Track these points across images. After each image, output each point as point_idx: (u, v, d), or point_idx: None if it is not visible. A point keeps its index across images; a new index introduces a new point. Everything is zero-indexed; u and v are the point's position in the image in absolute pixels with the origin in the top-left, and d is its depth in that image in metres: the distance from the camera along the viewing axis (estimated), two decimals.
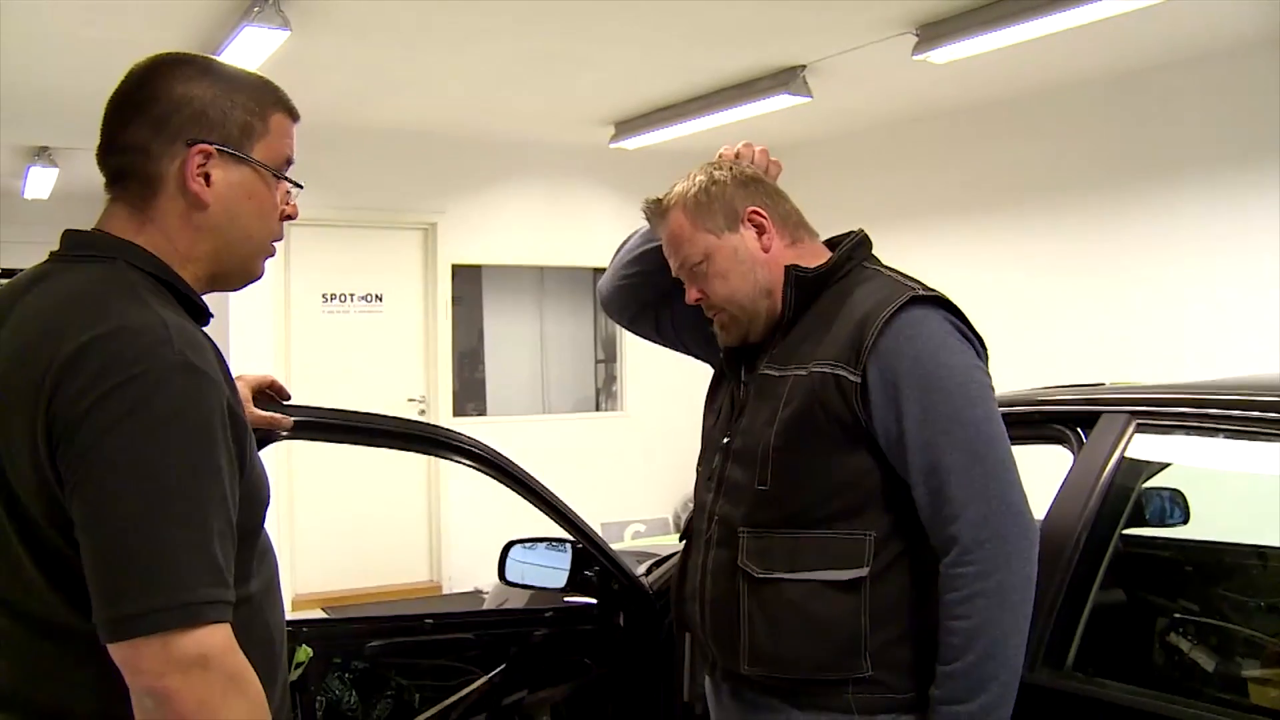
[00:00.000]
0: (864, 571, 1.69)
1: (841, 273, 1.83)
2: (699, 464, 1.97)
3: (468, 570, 7.00)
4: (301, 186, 1.44)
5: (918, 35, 4.77)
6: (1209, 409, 1.93)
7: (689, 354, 2.15)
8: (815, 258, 1.85)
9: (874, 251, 1.90)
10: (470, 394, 7.80)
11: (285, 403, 1.92)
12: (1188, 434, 2.00)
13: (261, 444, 1.87)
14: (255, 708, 1.18)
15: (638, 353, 7.94)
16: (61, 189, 8.08)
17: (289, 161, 1.41)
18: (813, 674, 1.71)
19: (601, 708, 2.56)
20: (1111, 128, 5.79)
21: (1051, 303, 6.09)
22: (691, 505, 2.00)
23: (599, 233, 7.89)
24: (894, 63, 5.12)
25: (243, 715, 1.16)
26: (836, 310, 1.78)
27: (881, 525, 1.71)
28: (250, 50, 4.56)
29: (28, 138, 7.19)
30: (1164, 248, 5.55)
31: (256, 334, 6.71)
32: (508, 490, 2.44)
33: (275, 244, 1.42)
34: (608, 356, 8.25)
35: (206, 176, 1.32)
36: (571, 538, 2.49)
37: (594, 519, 3.04)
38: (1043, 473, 2.08)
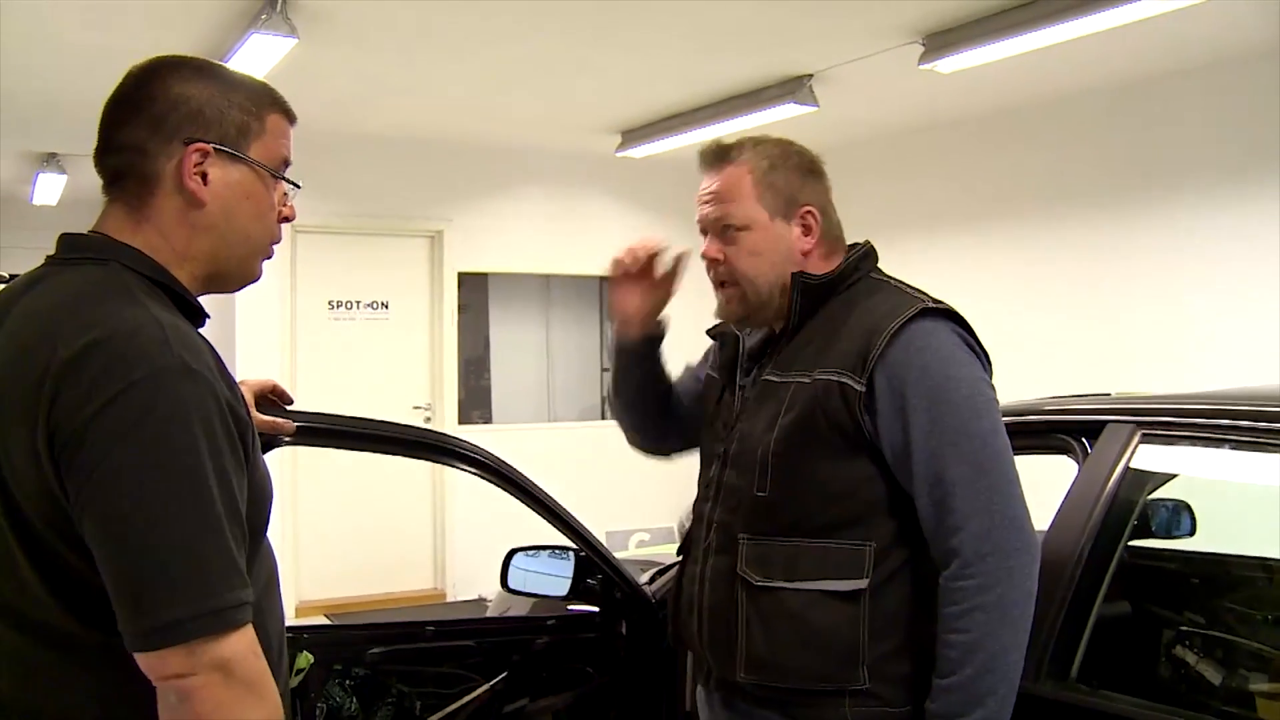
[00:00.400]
0: (864, 583, 1.68)
1: (848, 282, 1.82)
2: (699, 479, 1.96)
3: (472, 577, 6.99)
4: (299, 186, 1.44)
5: (924, 45, 4.77)
6: (1215, 419, 1.92)
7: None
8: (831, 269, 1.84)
9: (880, 260, 1.90)
10: (476, 402, 7.80)
11: (287, 408, 1.91)
12: (1193, 445, 1.99)
13: (264, 449, 1.86)
14: (271, 715, 1.19)
15: None
16: (70, 195, 8.09)
17: (286, 162, 1.41)
18: (809, 684, 1.70)
19: (603, 716, 2.55)
20: (1116, 137, 5.79)
21: (1056, 312, 6.07)
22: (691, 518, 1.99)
23: (605, 241, 7.84)
24: (900, 72, 5.12)
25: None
26: (842, 319, 1.77)
27: (882, 536, 1.71)
28: (258, 57, 4.57)
29: (36, 144, 7.22)
30: (1169, 257, 5.54)
31: (263, 340, 6.72)
32: (513, 498, 2.43)
33: (273, 246, 1.42)
34: None
35: (204, 175, 1.32)
36: (574, 545, 2.48)
37: (599, 527, 3.03)
38: (1047, 483, 2.07)
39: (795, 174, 1.82)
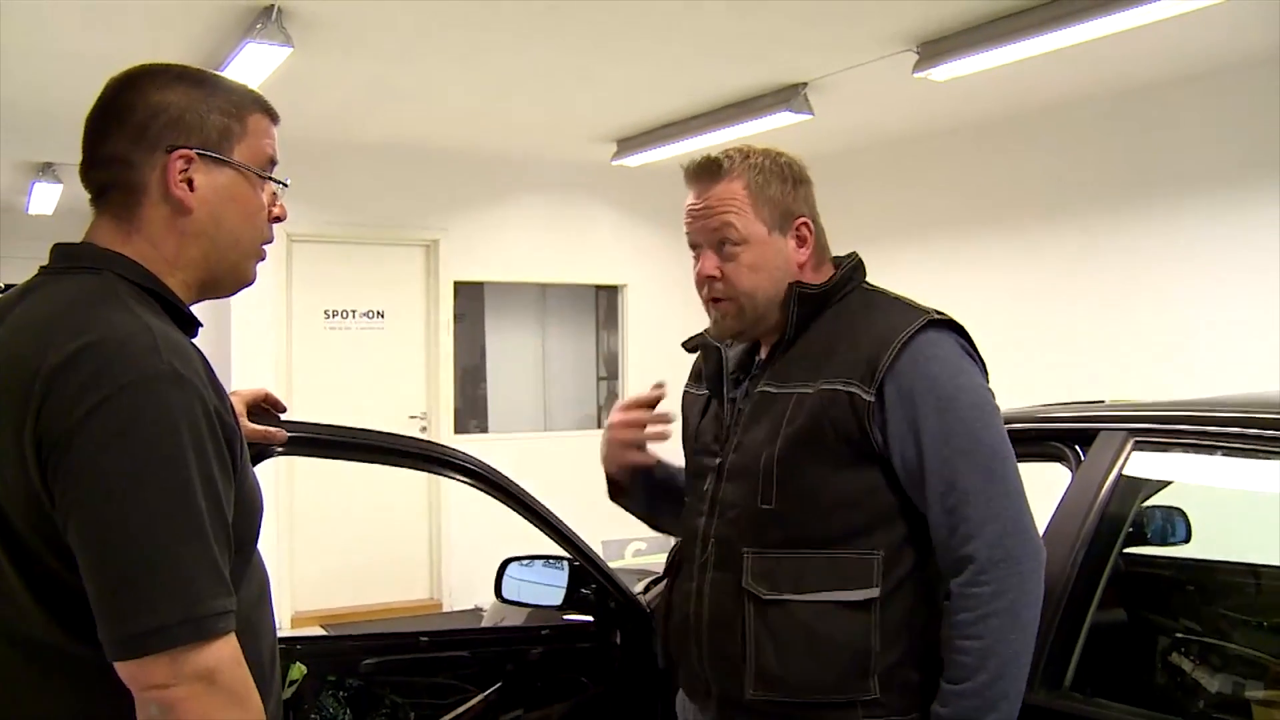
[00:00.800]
0: (875, 592, 1.68)
1: (841, 293, 1.82)
2: (687, 494, 1.94)
3: (468, 587, 6.98)
4: (286, 184, 1.43)
5: (918, 53, 4.77)
6: (1206, 426, 1.92)
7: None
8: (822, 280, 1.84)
9: (876, 268, 1.90)
10: (472, 411, 7.79)
11: (281, 417, 1.91)
12: (1186, 452, 1.99)
13: (257, 459, 1.86)
14: None
15: (640, 370, 7.94)
16: (65, 205, 8.10)
17: (273, 161, 1.40)
18: (821, 697, 1.69)
19: None
20: (1112, 145, 5.80)
21: (1052, 320, 6.08)
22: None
23: (601, 250, 7.90)
24: (895, 80, 5.13)
25: None
26: (841, 330, 1.77)
27: (888, 545, 1.71)
28: (253, 67, 4.58)
29: (32, 154, 7.22)
30: (1165, 265, 5.55)
31: (258, 350, 6.72)
32: (508, 508, 2.43)
33: (266, 247, 1.42)
34: (610, 374, 8.24)
35: (190, 182, 1.32)
36: (569, 555, 2.48)
37: (595, 536, 3.02)
38: (1041, 490, 2.07)
39: (788, 185, 1.80)
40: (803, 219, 1.81)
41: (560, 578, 2.51)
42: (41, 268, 1.34)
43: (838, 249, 1.91)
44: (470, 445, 3.15)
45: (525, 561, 2.60)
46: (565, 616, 2.64)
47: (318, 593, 6.90)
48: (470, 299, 7.73)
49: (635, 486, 2.04)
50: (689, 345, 1.97)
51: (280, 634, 1.53)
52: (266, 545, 1.39)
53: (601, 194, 7.80)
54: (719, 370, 1.90)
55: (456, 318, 7.50)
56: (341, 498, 6.86)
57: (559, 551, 2.49)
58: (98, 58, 4.72)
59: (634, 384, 7.97)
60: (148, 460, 1.14)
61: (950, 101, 5.79)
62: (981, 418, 1.68)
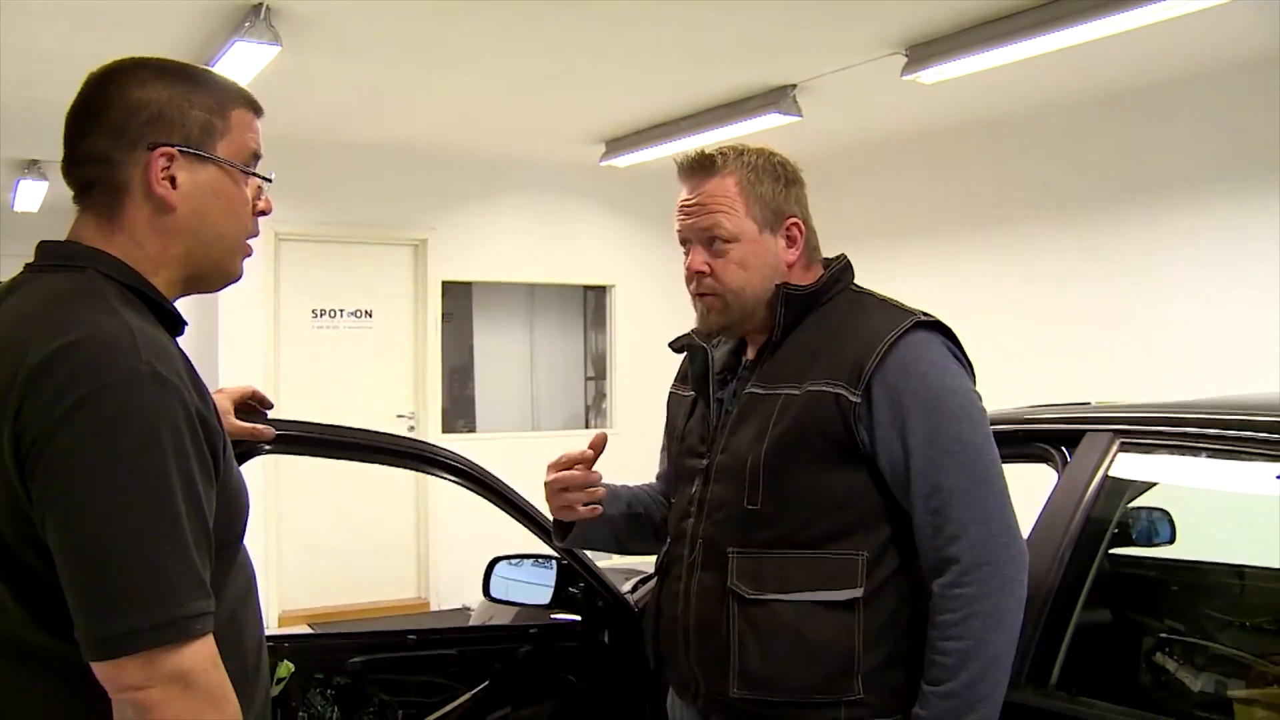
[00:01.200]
0: (859, 592, 1.69)
1: (829, 295, 1.83)
2: (673, 496, 1.95)
3: (456, 587, 6.97)
4: (270, 180, 1.42)
5: (907, 55, 4.79)
6: (1190, 428, 1.93)
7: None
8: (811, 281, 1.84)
9: (865, 269, 1.90)
10: (460, 411, 7.79)
11: (268, 414, 1.90)
12: (1170, 453, 2.01)
13: (244, 457, 1.86)
14: None
15: (627, 370, 7.95)
16: (51, 202, 8.06)
17: (256, 156, 1.39)
18: (804, 696, 1.69)
19: None
20: (1100, 148, 5.82)
21: (1040, 322, 6.10)
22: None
23: (589, 250, 7.91)
24: (884, 82, 5.14)
25: None
26: (829, 331, 1.77)
27: (872, 546, 1.71)
28: (241, 65, 4.56)
29: (17, 151, 7.18)
30: (1155, 267, 5.57)
31: (246, 349, 6.70)
32: (496, 507, 2.43)
33: (251, 241, 1.41)
34: (597, 373, 8.24)
35: (172, 179, 1.31)
36: (557, 554, 2.48)
37: None
38: (1027, 491, 2.08)
39: (780, 184, 1.81)
40: (794, 219, 1.82)
41: (548, 577, 2.51)
42: (26, 265, 1.33)
43: (826, 250, 1.92)
44: (458, 445, 3.14)
45: (513, 560, 2.60)
46: (553, 615, 2.64)
47: (304, 592, 6.89)
48: (458, 299, 7.72)
49: (590, 526, 1.99)
50: (676, 346, 1.97)
51: (268, 632, 1.53)
52: (253, 544, 1.39)
53: (590, 194, 7.80)
54: (705, 371, 1.90)
55: (444, 317, 7.49)
56: (329, 497, 6.84)
57: (547, 551, 2.49)
58: (84, 55, 4.68)
59: (621, 383, 7.98)
60: (126, 460, 1.14)
61: (939, 104, 5.81)
62: (968, 419, 1.69)
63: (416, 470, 2.66)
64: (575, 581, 2.50)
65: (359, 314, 7.26)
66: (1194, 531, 2.63)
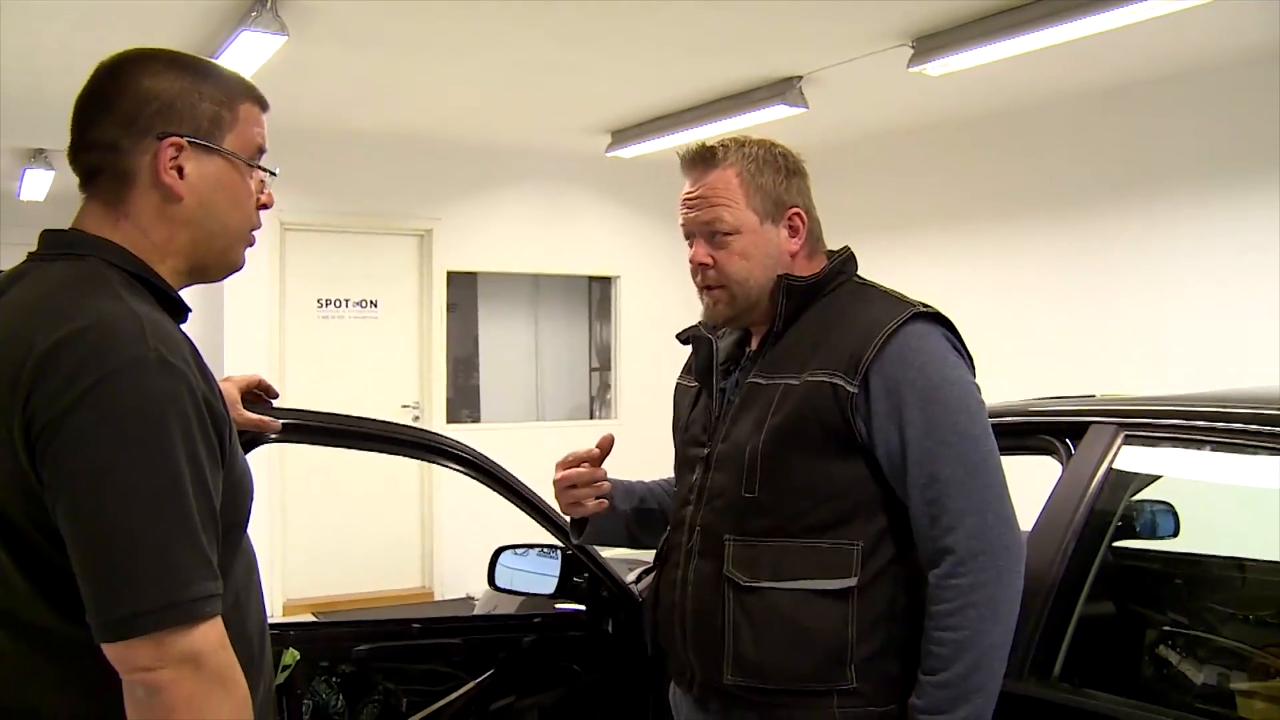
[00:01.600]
0: (853, 581, 1.69)
1: (831, 286, 1.83)
2: (675, 485, 1.96)
3: (460, 576, 6.99)
4: (275, 173, 1.44)
5: (914, 47, 4.78)
6: (1195, 420, 1.94)
7: None
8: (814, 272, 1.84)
9: (870, 261, 1.91)
10: (465, 401, 7.79)
11: (274, 404, 1.91)
12: (1175, 446, 2.00)
13: (250, 446, 1.87)
14: (240, 707, 1.20)
15: (632, 360, 7.95)
16: (57, 191, 8.07)
17: (261, 150, 1.41)
18: (798, 684, 1.70)
19: (590, 714, 2.55)
20: (1107, 140, 5.81)
21: (1045, 315, 6.10)
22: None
23: (595, 241, 7.91)
24: (890, 74, 5.13)
25: (227, 715, 1.17)
26: (830, 322, 1.78)
27: (868, 536, 1.71)
28: (247, 55, 4.56)
29: (24, 140, 7.19)
30: (1158, 260, 5.57)
31: (251, 338, 6.71)
32: (501, 496, 2.44)
33: (254, 233, 1.42)
34: (602, 364, 8.25)
35: (179, 169, 1.32)
36: (561, 544, 2.49)
37: None
38: (1031, 484, 2.09)
39: (781, 175, 1.81)
40: (795, 209, 1.82)
41: (553, 566, 2.52)
42: (29, 254, 1.34)
43: (831, 242, 1.92)
44: (463, 435, 3.16)
45: (518, 550, 2.61)
46: (557, 605, 2.65)
47: (309, 581, 6.90)
48: (463, 289, 7.72)
49: (603, 521, 2.04)
50: (682, 337, 1.99)
51: (273, 620, 1.54)
52: (258, 533, 1.40)
53: (595, 185, 7.80)
54: (709, 362, 1.91)
55: (449, 307, 7.50)
56: (333, 485, 6.86)
57: (552, 540, 2.50)
58: (91, 45, 4.71)
59: (626, 374, 7.98)
60: (135, 445, 1.15)
61: (945, 96, 5.80)
62: (965, 410, 1.69)
63: (422, 460, 2.67)
64: (580, 571, 2.50)
65: (364, 303, 7.27)
66: (1198, 524, 2.63)
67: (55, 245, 1.32)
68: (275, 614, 6.56)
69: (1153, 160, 5.59)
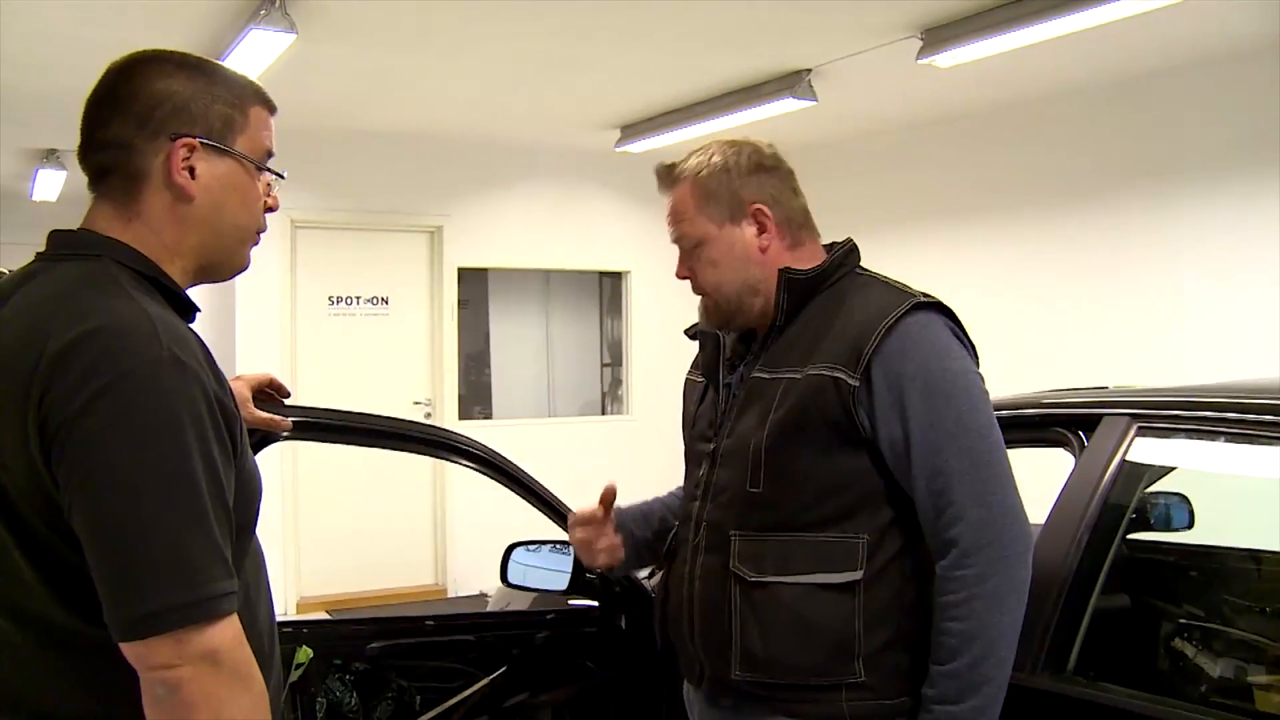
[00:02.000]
0: (859, 574, 1.69)
1: (834, 278, 1.82)
2: (684, 480, 1.96)
3: (473, 573, 7.00)
4: (283, 176, 1.45)
5: (922, 39, 4.76)
6: (1209, 412, 1.92)
7: None
8: (812, 261, 1.83)
9: (877, 253, 1.90)
10: (476, 397, 7.81)
11: (285, 403, 1.91)
12: (1188, 437, 1.99)
13: (262, 444, 1.87)
14: (258, 704, 1.21)
15: (644, 356, 7.95)
16: (70, 192, 8.10)
17: (269, 153, 1.42)
18: (805, 679, 1.70)
19: (603, 710, 2.56)
20: (1116, 132, 5.78)
21: (1055, 306, 6.08)
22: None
23: (605, 236, 7.90)
24: (899, 67, 5.12)
25: (246, 711, 1.19)
26: (832, 314, 1.77)
27: (874, 529, 1.71)
28: (256, 53, 4.57)
29: (36, 140, 7.22)
30: (1167, 252, 5.54)
31: (263, 336, 6.73)
32: (513, 493, 2.44)
33: (260, 234, 1.44)
34: (614, 360, 8.25)
35: (191, 170, 1.33)
36: None
37: None
38: (1044, 476, 2.08)
39: (738, 177, 1.82)
40: (757, 204, 1.82)
41: (565, 563, 2.51)
42: (38, 254, 1.35)
43: (838, 234, 1.91)
44: (474, 431, 3.16)
45: (530, 546, 2.61)
46: (570, 601, 2.65)
47: (322, 579, 6.92)
48: (474, 285, 7.73)
49: (630, 557, 2.10)
50: (690, 332, 2.00)
51: (287, 618, 1.54)
52: (271, 531, 1.40)
53: (605, 180, 7.79)
54: (716, 357, 1.92)
55: (460, 304, 7.50)
56: (346, 483, 6.88)
57: (564, 536, 2.50)
58: (102, 43, 4.72)
59: (638, 370, 7.98)
60: (150, 445, 1.16)
61: (954, 88, 5.78)
62: (969, 401, 1.68)
63: (434, 456, 2.67)
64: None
65: (375, 301, 7.28)
66: (1212, 516, 2.62)
67: (65, 245, 1.33)
68: (289, 612, 6.58)
69: (1164, 151, 5.56)
